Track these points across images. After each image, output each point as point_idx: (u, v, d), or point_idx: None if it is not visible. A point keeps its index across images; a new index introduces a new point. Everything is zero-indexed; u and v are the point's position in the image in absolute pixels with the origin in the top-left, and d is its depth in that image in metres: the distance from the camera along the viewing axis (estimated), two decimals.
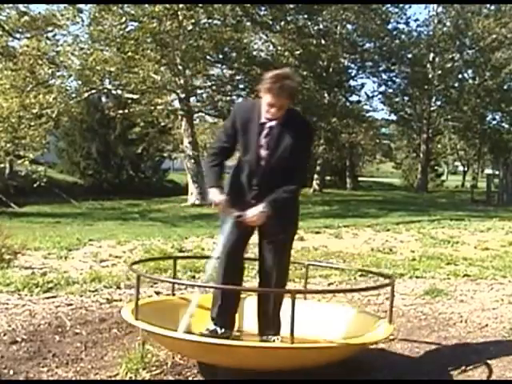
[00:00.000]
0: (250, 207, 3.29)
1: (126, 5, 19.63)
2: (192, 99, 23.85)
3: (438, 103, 34.25)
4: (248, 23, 22.70)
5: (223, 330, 3.42)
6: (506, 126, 34.92)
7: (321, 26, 27.56)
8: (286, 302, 3.47)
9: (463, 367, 3.39)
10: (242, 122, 3.37)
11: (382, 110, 70.89)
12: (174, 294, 4.00)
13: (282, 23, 23.08)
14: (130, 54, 19.12)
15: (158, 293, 5.05)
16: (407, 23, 31.77)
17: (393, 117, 35.68)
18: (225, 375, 3.22)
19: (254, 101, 3.48)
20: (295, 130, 3.32)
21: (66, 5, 19.72)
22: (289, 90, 3.23)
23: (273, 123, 3.32)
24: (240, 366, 3.12)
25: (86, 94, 21.63)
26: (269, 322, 3.47)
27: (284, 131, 3.30)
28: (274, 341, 3.38)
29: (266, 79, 3.26)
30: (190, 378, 3.24)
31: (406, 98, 34.03)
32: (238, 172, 3.43)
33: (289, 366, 3.11)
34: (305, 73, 24.81)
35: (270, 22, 23.08)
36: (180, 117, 23.13)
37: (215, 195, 3.32)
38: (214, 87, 24.57)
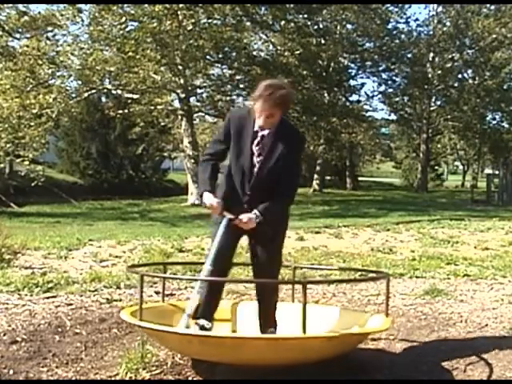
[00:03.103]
0: (243, 212, 3.35)
1: (125, 5, 19.63)
2: (192, 99, 23.87)
3: (438, 103, 34.26)
4: (248, 23, 22.71)
5: (210, 324, 3.46)
6: (506, 125, 34.92)
7: (321, 26, 27.59)
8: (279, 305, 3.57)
9: (463, 367, 3.38)
10: (236, 129, 3.43)
11: (382, 109, 70.92)
12: (170, 296, 4.01)
13: (282, 23, 23.09)
14: (130, 54, 19.11)
15: (157, 292, 5.05)
16: (407, 23, 31.90)
17: (393, 116, 35.73)
18: (224, 375, 3.22)
19: (249, 108, 3.51)
20: (287, 140, 3.37)
21: (65, 5, 19.74)
22: (280, 99, 3.24)
23: (265, 132, 3.38)
24: (250, 361, 3.09)
25: (85, 94, 21.65)
26: (266, 319, 3.55)
27: (276, 141, 3.36)
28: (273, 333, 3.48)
29: (259, 87, 3.30)
30: (190, 378, 3.23)
31: (406, 98, 34.03)
32: (231, 176, 3.50)
33: (299, 358, 3.10)
34: (305, 72, 24.82)
35: (270, 22, 23.09)
36: (180, 117, 23.13)
37: (209, 199, 3.37)
38: (213, 87, 24.57)
